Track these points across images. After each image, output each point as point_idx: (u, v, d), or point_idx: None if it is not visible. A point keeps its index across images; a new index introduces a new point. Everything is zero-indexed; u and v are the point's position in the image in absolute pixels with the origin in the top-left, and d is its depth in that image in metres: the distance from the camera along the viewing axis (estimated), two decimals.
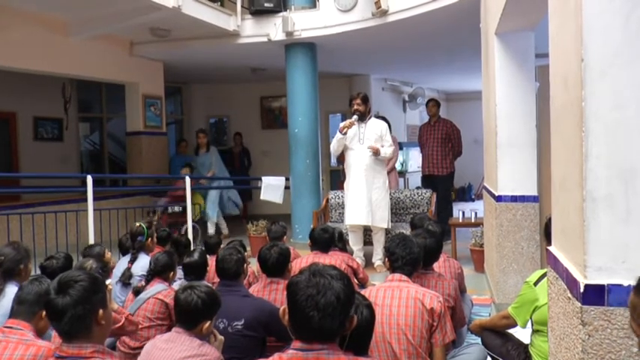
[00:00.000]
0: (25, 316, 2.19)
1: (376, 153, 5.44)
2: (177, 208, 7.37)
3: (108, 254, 3.90)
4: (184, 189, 6.56)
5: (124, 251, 4.25)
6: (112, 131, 9.90)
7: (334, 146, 5.68)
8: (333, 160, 9.85)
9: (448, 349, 2.64)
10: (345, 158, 5.73)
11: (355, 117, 5.53)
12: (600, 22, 1.46)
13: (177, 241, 4.63)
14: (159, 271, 3.24)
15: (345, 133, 5.52)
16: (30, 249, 3.16)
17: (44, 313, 2.08)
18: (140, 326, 3.01)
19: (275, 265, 3.09)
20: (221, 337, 2.41)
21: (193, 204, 7.39)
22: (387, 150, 5.52)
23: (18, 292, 2.30)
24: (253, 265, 3.84)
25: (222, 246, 4.10)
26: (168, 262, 3.27)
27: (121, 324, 2.68)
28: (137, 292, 3.21)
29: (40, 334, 2.23)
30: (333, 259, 3.83)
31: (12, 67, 6.35)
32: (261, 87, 10.58)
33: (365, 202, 5.45)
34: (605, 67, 1.47)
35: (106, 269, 3.55)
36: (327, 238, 4.02)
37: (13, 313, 2.22)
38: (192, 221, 6.70)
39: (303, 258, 3.98)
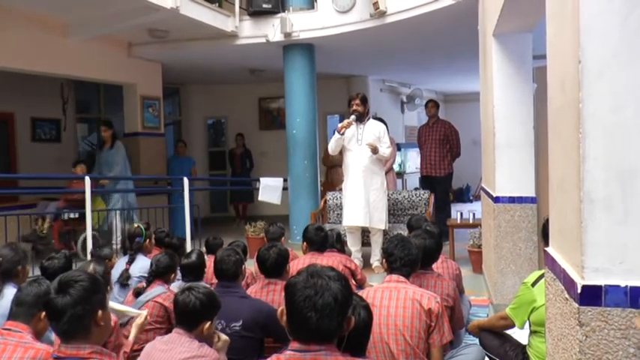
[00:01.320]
0: (24, 318, 2.19)
1: (374, 151, 5.44)
2: (73, 215, 6.29)
3: (114, 259, 3.88)
4: (82, 192, 5.42)
5: (124, 251, 4.23)
6: None
7: (332, 146, 5.67)
8: None
9: (446, 349, 2.64)
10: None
11: (353, 117, 5.53)
12: (598, 23, 1.46)
13: (169, 243, 4.59)
14: (160, 273, 3.23)
15: (343, 134, 5.52)
16: (28, 250, 3.15)
17: (43, 314, 2.08)
18: None
19: (274, 265, 3.09)
20: (225, 337, 2.41)
21: (93, 210, 6.39)
22: (385, 150, 5.53)
23: (17, 294, 2.29)
24: (250, 266, 3.84)
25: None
26: (170, 264, 3.26)
27: (116, 342, 2.64)
28: (138, 293, 3.20)
29: (39, 335, 2.22)
30: (330, 260, 3.82)
31: (10, 68, 6.33)
32: (259, 88, 10.57)
33: (363, 204, 5.46)
34: (603, 69, 1.47)
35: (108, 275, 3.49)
36: (323, 237, 4.00)
37: (12, 315, 2.22)
38: (93, 229, 5.67)
39: (300, 259, 3.97)
